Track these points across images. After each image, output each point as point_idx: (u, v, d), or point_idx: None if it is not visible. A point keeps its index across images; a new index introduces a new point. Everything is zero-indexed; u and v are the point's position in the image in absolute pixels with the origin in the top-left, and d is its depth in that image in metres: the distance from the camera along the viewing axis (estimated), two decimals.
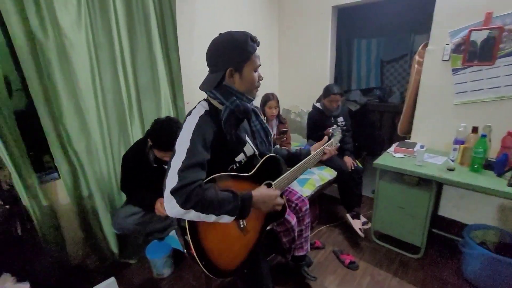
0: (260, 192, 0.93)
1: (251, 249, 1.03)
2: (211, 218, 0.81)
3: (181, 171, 0.79)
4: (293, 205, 1.80)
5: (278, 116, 2.46)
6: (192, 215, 0.79)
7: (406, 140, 2.36)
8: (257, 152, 1.08)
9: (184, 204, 0.76)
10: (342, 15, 2.89)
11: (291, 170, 1.15)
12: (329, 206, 2.73)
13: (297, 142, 3.15)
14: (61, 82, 1.57)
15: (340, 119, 2.53)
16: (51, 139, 1.59)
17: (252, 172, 1.01)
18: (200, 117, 0.90)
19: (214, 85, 0.95)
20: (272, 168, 1.08)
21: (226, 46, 0.93)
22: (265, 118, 2.40)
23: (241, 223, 1.02)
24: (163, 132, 1.43)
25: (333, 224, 2.45)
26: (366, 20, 3.89)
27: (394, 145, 2.24)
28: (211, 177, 0.89)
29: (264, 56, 3.05)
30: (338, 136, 1.48)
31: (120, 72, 1.81)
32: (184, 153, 0.81)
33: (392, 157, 2.08)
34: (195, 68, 2.39)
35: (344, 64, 4.13)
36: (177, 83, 2.18)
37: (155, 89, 2.04)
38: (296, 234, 1.69)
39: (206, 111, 0.94)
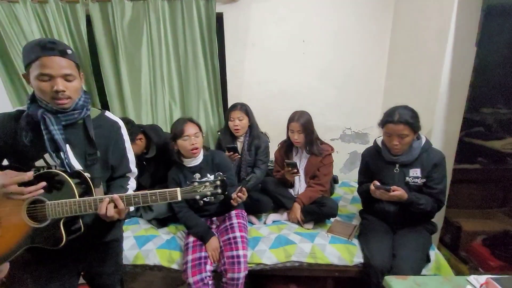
0: None
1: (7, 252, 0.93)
2: None
3: None
4: (222, 262, 1.36)
5: (311, 144, 1.76)
6: None
7: None
8: (62, 165, 0.97)
9: None
10: None
11: (85, 199, 0.92)
12: None
13: None
14: (127, 85, 2.19)
15: (415, 172, 1.38)
16: None
17: None
18: (1, 114, 0.98)
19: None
20: (53, 185, 0.94)
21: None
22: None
23: None
24: None
25: None
26: None
27: None
28: None
29: (366, 62, 2.23)
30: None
31: (166, 76, 2.19)
32: None
33: None
34: (244, 77, 2.28)
35: None
36: (218, 89, 2.23)
37: (198, 93, 2.23)
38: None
39: (18, 110, 0.99)
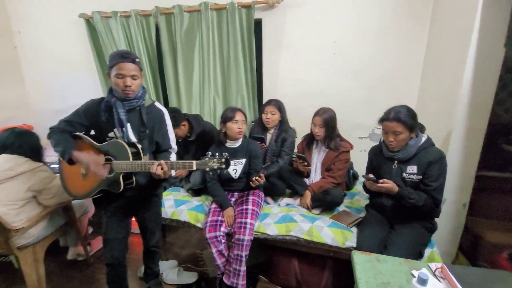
0: (83, 153, 1.36)
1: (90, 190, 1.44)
2: (55, 149, 1.38)
3: (62, 120, 1.42)
4: (234, 226, 1.68)
5: (330, 139, 1.91)
6: (51, 143, 1.40)
7: None
8: (123, 137, 1.41)
9: (47, 135, 1.43)
10: None
11: (137, 161, 1.34)
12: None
13: None
14: (182, 82, 2.68)
15: (412, 168, 1.45)
16: None
17: (100, 145, 1.41)
18: (91, 99, 1.46)
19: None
20: (117, 150, 1.38)
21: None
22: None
23: (82, 171, 1.44)
24: None
25: None
26: None
27: None
28: (78, 133, 1.44)
29: (401, 62, 2.24)
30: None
31: (212, 74, 2.59)
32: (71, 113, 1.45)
33: None
34: (279, 76, 2.52)
35: None
36: (254, 87, 2.53)
37: (237, 90, 2.58)
38: (224, 248, 1.69)
39: (102, 98, 1.46)
